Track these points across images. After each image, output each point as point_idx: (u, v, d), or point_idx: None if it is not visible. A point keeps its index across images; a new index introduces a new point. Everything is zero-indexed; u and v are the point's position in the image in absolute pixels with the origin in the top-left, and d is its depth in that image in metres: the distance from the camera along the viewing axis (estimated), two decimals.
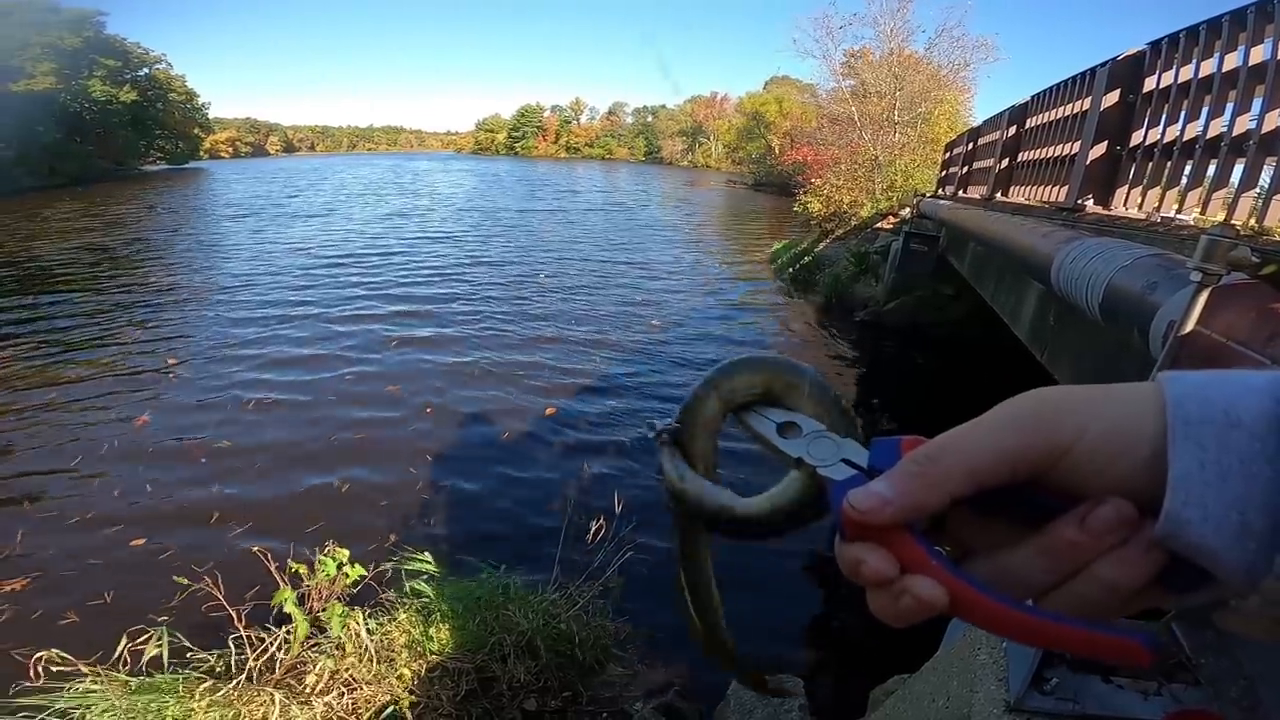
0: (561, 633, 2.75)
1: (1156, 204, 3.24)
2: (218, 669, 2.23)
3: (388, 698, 2.44)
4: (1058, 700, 1.17)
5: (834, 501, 0.28)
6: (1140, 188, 3.43)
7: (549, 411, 6.36)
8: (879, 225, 13.33)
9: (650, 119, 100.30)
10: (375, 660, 2.49)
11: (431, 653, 2.60)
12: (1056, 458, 0.26)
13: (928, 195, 10.19)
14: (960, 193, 8.42)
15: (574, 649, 2.73)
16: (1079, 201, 3.82)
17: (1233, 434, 0.24)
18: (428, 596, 2.77)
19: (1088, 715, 1.17)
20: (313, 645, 2.36)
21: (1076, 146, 4.06)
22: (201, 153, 59.94)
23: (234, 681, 2.13)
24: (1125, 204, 3.58)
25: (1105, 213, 3.63)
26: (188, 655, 2.24)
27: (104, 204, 23.78)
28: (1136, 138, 3.54)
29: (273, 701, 2.12)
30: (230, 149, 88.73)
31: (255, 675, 2.20)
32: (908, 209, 10.43)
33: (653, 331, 9.34)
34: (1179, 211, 3.06)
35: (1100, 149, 3.74)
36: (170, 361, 7.36)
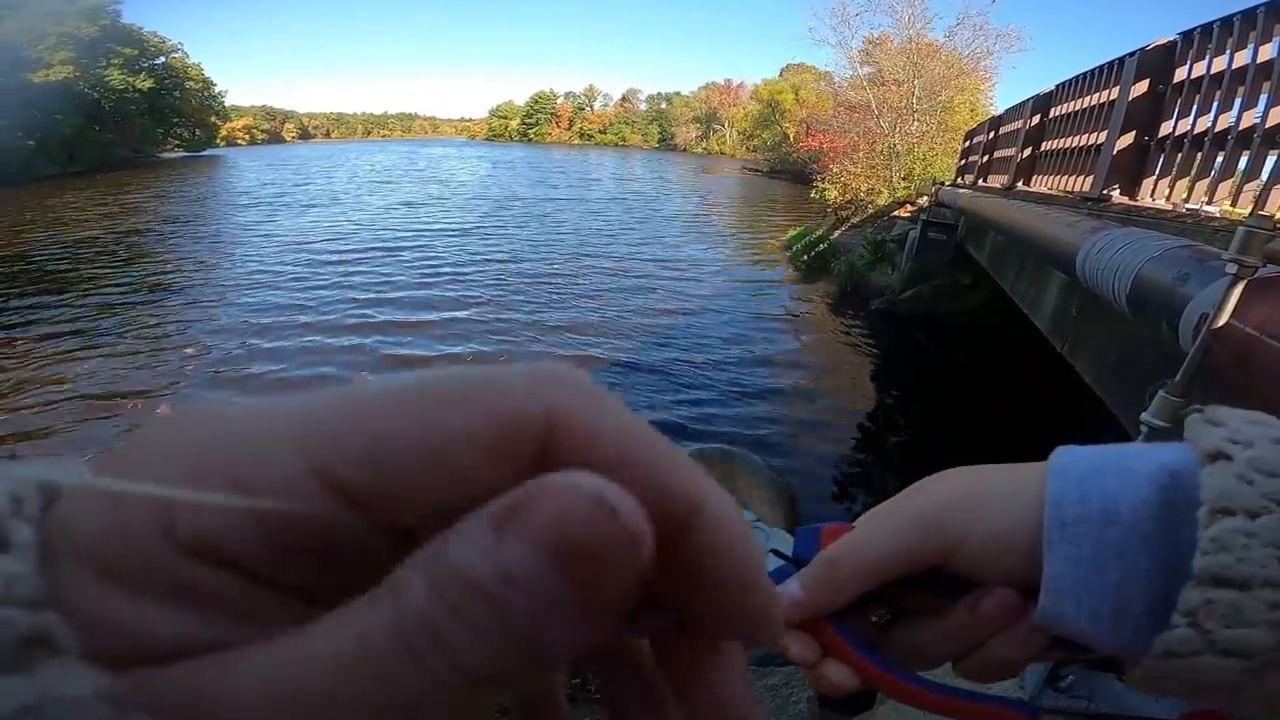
0: None
1: (1185, 195, 3.18)
2: None
3: None
4: (1072, 698, 1.16)
5: None
6: (1169, 179, 3.38)
7: None
8: (896, 213, 13.17)
9: (664, 106, 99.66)
10: None
11: None
12: (946, 556, 0.29)
13: (947, 184, 10.08)
14: (980, 181, 8.33)
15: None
16: (1105, 191, 3.76)
17: (1109, 530, 0.25)
18: None
19: (1102, 714, 1.16)
20: None
21: (1103, 136, 3.99)
22: (218, 140, 60.50)
23: None
24: (1153, 195, 3.52)
25: (1132, 203, 3.57)
26: None
27: (117, 191, 23.99)
28: (1166, 128, 3.48)
29: None
30: (247, 136, 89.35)
31: None
32: (925, 197, 10.35)
33: (665, 318, 9.32)
34: (1209, 203, 3.00)
35: (1128, 139, 3.68)
36: (187, 351, 7.44)
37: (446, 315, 8.72)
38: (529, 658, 0.11)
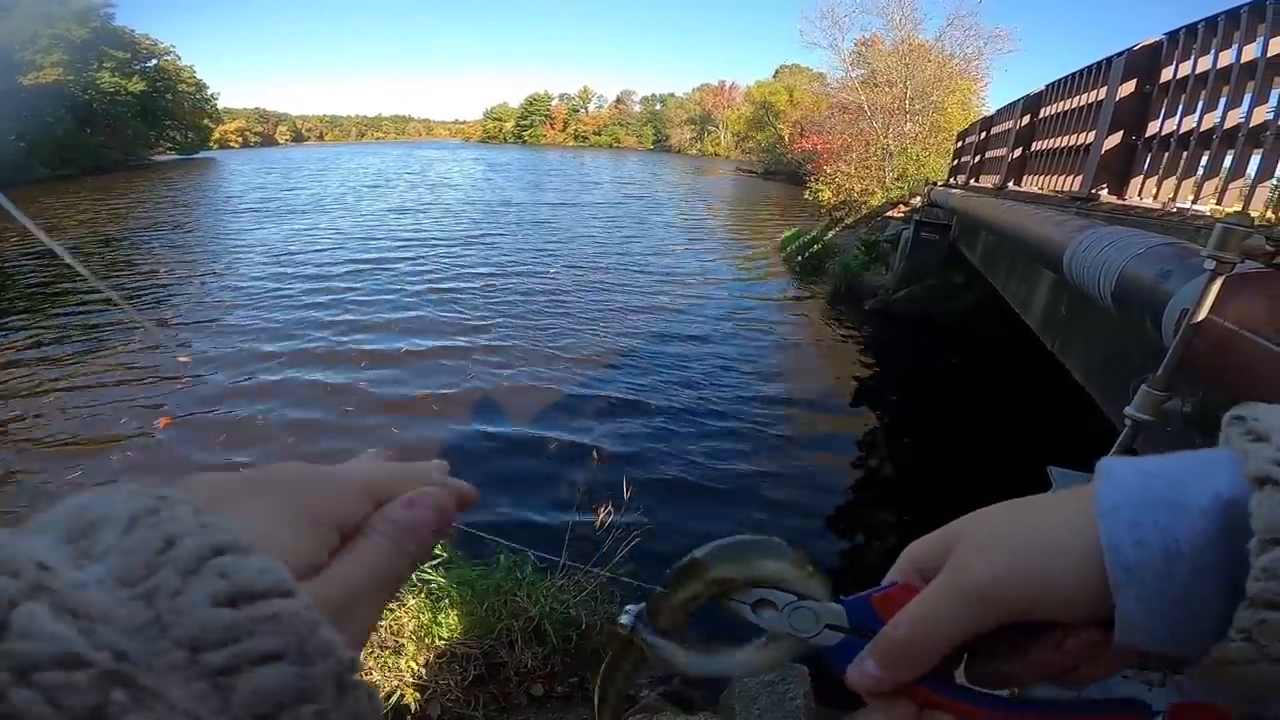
0: (569, 618, 2.77)
1: (1172, 194, 3.21)
2: None
3: (395, 684, 2.47)
4: (1062, 688, 1.17)
5: (836, 667, 0.33)
6: (1156, 178, 3.40)
7: (556, 399, 6.38)
8: (889, 214, 13.26)
9: (658, 107, 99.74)
10: (383, 648, 2.52)
11: (440, 639, 2.63)
12: (1019, 618, 0.29)
13: (939, 184, 10.15)
14: (972, 181, 8.40)
15: (581, 635, 2.75)
16: (1093, 191, 3.79)
17: (1174, 567, 0.26)
18: (437, 583, 2.80)
19: (1091, 699, 1.17)
20: None
21: (1091, 136, 4.02)
22: (211, 143, 60.18)
23: None
24: (1140, 194, 3.55)
25: (1120, 202, 3.60)
26: None
27: (105, 195, 23.70)
28: (1153, 128, 3.50)
29: None
30: (239, 139, 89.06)
31: None
32: (919, 198, 10.41)
33: (660, 317, 9.36)
34: (1195, 202, 3.03)
35: (1115, 139, 3.71)
36: (182, 360, 7.25)
37: (437, 344, 7.97)
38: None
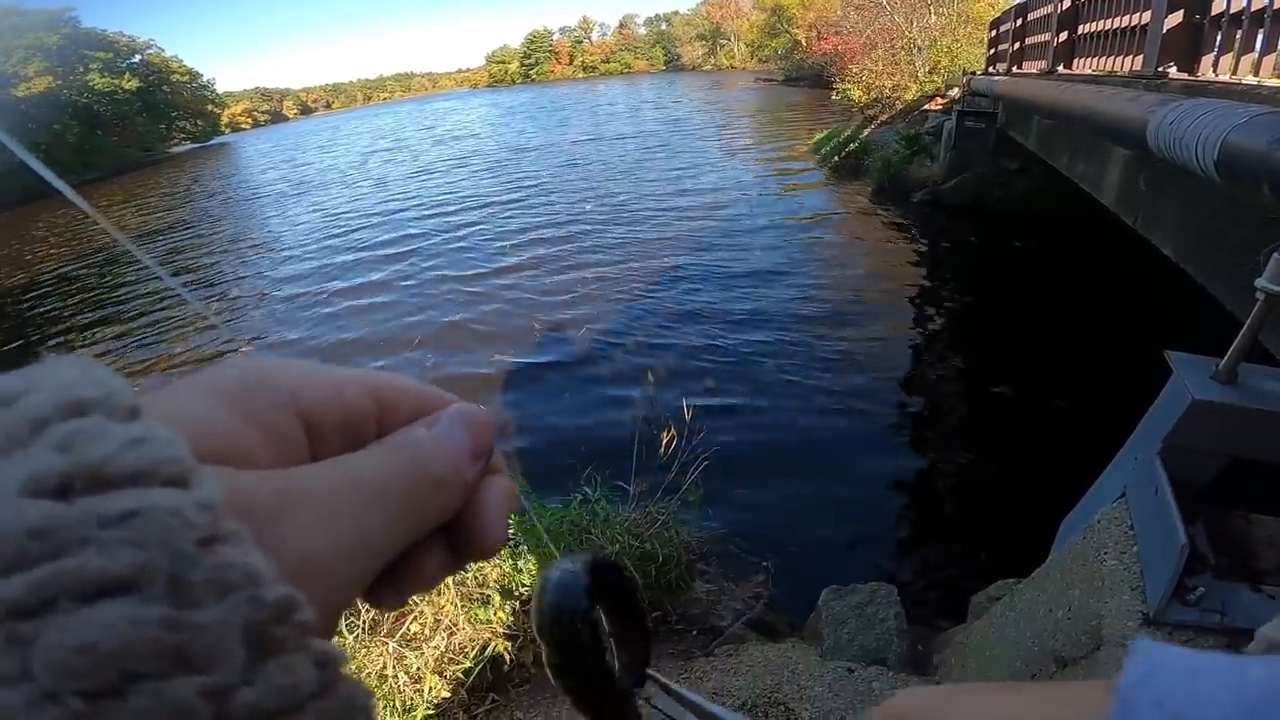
0: (646, 552, 2.74)
1: (1253, 70, 2.94)
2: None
3: (487, 636, 2.54)
4: (1203, 612, 1.08)
5: None
6: (1231, 54, 3.19)
7: (609, 328, 6.34)
8: (926, 107, 12.81)
9: (664, 27, 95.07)
10: (470, 600, 2.59)
11: (522, 586, 2.68)
12: None
13: (978, 74, 9.81)
14: (1015, 69, 8.07)
15: (660, 568, 2.75)
16: (1159, 69, 3.58)
17: None
18: (511, 528, 2.82)
19: (1235, 629, 1.08)
20: None
21: (1148, 16, 3.78)
22: (223, 127, 60.36)
23: (354, 635, 2.25)
24: (1215, 70, 3.33)
25: (1193, 79, 3.41)
26: None
27: (132, 194, 23.98)
28: (1218, 6, 3.24)
29: (389, 651, 2.24)
30: (249, 120, 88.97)
31: (370, 628, 2.32)
32: (956, 89, 10.00)
33: (701, 236, 9.19)
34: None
35: (1177, 18, 3.48)
36: (245, 350, 7.49)
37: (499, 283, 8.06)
38: (462, 475, 0.20)
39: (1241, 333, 1.39)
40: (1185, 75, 3.48)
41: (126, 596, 0.11)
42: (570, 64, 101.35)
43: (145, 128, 44.04)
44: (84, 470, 0.11)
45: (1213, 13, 3.32)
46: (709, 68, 77.01)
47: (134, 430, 0.12)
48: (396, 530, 0.18)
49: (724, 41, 75.77)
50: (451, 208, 13.08)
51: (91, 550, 0.11)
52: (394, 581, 0.20)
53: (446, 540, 0.21)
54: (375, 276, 9.09)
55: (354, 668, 2.15)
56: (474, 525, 0.21)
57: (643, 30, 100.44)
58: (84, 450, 0.11)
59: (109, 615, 0.10)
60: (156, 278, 10.45)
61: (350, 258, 10.38)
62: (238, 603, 0.12)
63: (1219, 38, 3.30)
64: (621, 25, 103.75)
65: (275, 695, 0.12)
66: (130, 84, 42.65)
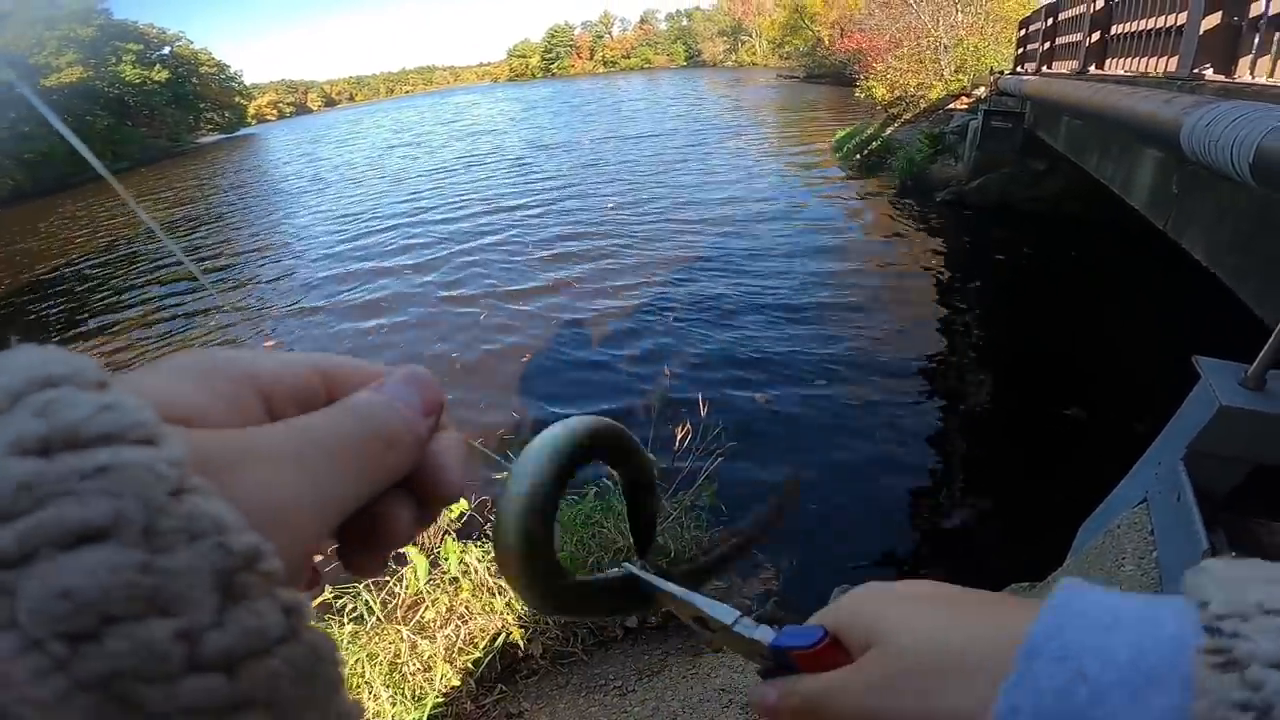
0: (658, 547, 2.75)
1: None
2: (352, 611, 2.39)
3: (499, 625, 2.57)
4: None
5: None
6: (1269, 55, 3.12)
7: (627, 324, 6.34)
8: (951, 106, 12.73)
9: (685, 23, 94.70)
10: (482, 588, 2.61)
11: None
12: None
13: (1005, 73, 9.74)
14: (1044, 69, 8.02)
15: (671, 562, 2.74)
16: (1195, 71, 3.53)
17: None
18: None
19: None
20: (426, 581, 2.49)
21: (1184, 18, 3.73)
22: (249, 119, 61.24)
23: (370, 621, 2.29)
24: (1253, 73, 3.28)
25: (1230, 81, 3.35)
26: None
27: (160, 184, 24.26)
28: (1257, 8, 3.19)
29: (402, 638, 2.27)
30: (275, 111, 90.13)
31: (385, 615, 2.35)
32: (983, 88, 9.90)
33: (722, 233, 9.17)
34: None
35: (1214, 19, 3.43)
36: (267, 345, 7.52)
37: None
38: (413, 429, 0.21)
39: (1271, 339, 1.37)
40: (1221, 77, 3.43)
41: (104, 543, 0.11)
42: (591, 59, 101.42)
43: (174, 119, 44.86)
44: (62, 431, 0.12)
45: (1251, 15, 3.27)
46: (730, 64, 76.46)
47: (105, 398, 0.13)
48: (351, 482, 0.19)
49: (745, 38, 75.24)
50: (475, 208, 12.77)
51: (72, 500, 0.12)
52: (368, 541, 0.22)
53: (412, 498, 0.23)
54: (398, 267, 9.23)
55: (367, 654, 2.19)
56: (432, 478, 0.22)
57: (664, 26, 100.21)
58: (60, 414, 0.12)
59: (88, 561, 0.11)
60: (181, 266, 10.60)
61: (375, 242, 10.58)
62: (207, 549, 0.12)
63: (1257, 39, 3.23)
64: (642, 20, 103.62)
65: (244, 638, 0.12)
66: (160, 75, 43.47)
